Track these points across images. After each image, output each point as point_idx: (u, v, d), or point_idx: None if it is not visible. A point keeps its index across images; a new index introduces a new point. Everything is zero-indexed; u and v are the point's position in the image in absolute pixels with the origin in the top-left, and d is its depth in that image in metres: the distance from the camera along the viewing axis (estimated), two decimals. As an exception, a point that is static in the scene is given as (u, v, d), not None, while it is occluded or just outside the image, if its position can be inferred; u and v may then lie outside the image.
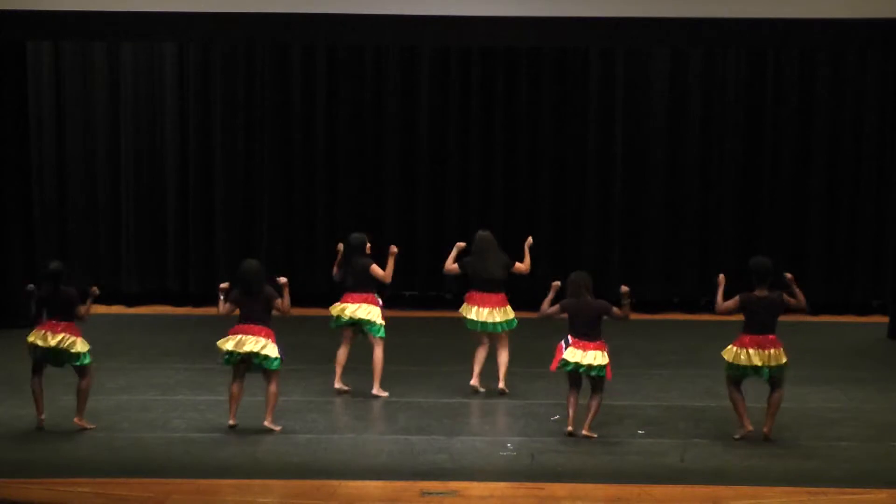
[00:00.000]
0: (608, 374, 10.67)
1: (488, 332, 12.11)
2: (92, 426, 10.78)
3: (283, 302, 10.87)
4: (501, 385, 12.11)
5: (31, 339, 10.82)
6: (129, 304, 16.83)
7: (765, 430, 10.61)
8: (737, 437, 10.68)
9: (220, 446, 10.38)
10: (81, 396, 10.81)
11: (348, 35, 14.27)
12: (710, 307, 16.73)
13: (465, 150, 16.99)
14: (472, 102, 16.93)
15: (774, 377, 10.61)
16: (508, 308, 12.13)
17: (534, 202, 16.97)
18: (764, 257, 10.99)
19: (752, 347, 10.56)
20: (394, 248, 12.22)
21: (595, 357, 10.60)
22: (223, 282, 10.94)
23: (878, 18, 13.40)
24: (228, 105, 16.95)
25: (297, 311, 15.50)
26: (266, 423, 10.75)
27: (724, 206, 16.88)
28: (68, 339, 10.72)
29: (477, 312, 12.04)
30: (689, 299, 16.94)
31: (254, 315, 10.71)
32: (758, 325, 10.63)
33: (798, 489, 9.43)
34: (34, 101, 16.30)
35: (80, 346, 10.77)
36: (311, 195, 16.99)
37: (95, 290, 10.99)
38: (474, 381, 12.15)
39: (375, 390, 12.07)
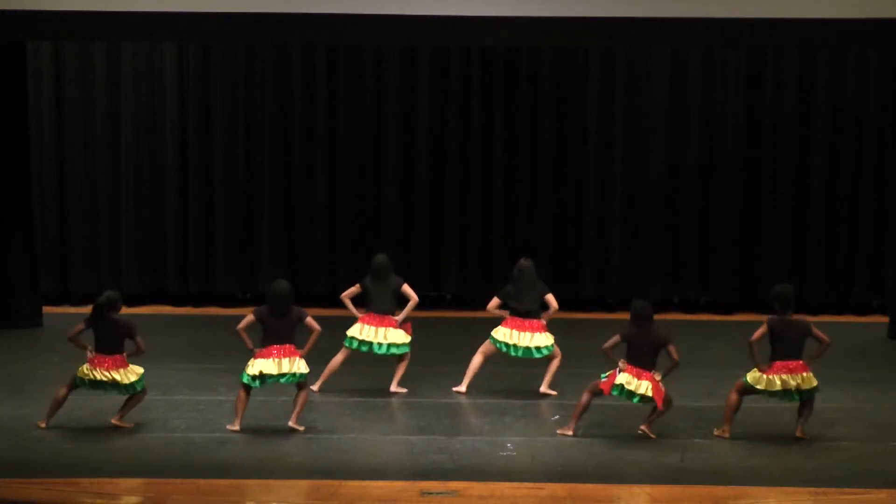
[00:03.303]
0: (659, 403, 10.62)
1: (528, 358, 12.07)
2: (129, 425, 10.81)
3: (312, 328, 10.81)
4: (544, 388, 12.13)
5: (87, 377, 10.68)
6: (129, 304, 16.76)
7: (798, 434, 10.71)
8: (715, 433, 10.74)
9: (220, 446, 10.38)
10: (131, 402, 10.86)
11: (348, 35, 14.25)
12: (709, 307, 16.83)
13: (465, 150, 16.99)
14: (471, 102, 16.93)
15: (804, 399, 10.70)
16: (547, 333, 12.03)
17: (534, 202, 16.97)
18: (787, 284, 10.94)
19: (784, 373, 10.58)
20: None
21: (648, 388, 10.56)
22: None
23: (878, 18, 13.39)
24: (228, 105, 16.94)
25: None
26: (291, 423, 10.79)
27: (724, 206, 16.88)
28: (117, 373, 10.68)
29: (511, 336, 11.96)
30: (689, 299, 16.96)
31: (280, 335, 10.70)
32: (785, 350, 10.63)
33: (798, 489, 9.43)
34: (34, 101, 16.29)
35: (130, 375, 10.74)
36: (311, 195, 16.99)
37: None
38: (461, 389, 12.16)
39: (394, 387, 12.18)
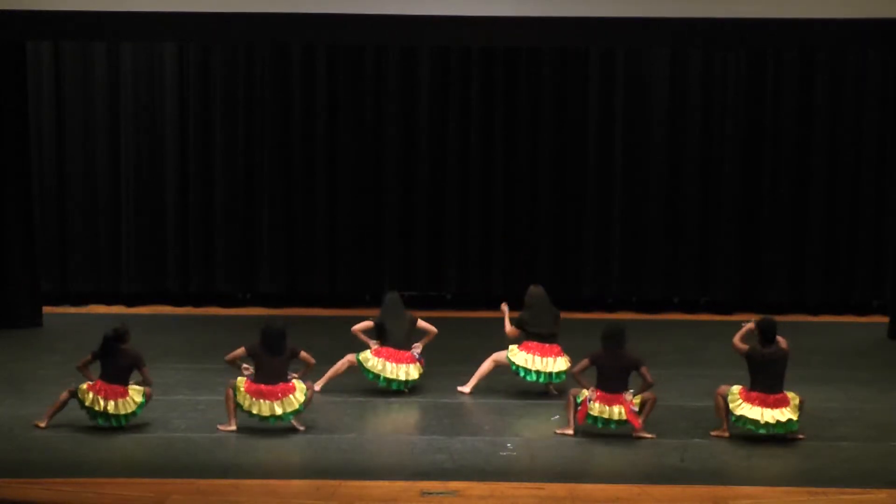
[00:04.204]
0: (634, 422, 10.63)
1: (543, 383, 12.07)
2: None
3: (307, 362, 10.90)
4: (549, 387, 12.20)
5: (84, 399, 10.70)
6: (129, 304, 16.82)
7: (790, 436, 10.68)
8: (713, 434, 10.73)
9: (220, 446, 10.38)
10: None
11: (348, 35, 14.26)
12: (709, 307, 16.83)
13: (465, 150, 16.98)
14: (471, 103, 16.92)
15: (786, 434, 10.65)
16: (565, 358, 11.99)
17: (534, 202, 16.97)
18: (769, 318, 10.88)
19: (762, 406, 10.56)
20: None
21: (621, 412, 10.59)
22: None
23: (878, 18, 13.39)
24: (228, 105, 16.93)
25: (297, 312, 15.64)
26: (292, 422, 10.79)
27: (724, 206, 16.88)
28: (114, 402, 10.67)
29: (533, 362, 11.91)
30: (689, 299, 16.95)
31: (273, 374, 10.71)
32: (765, 382, 10.62)
33: (798, 489, 9.43)
34: (34, 101, 16.28)
35: (129, 405, 10.74)
36: (311, 195, 16.98)
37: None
38: (466, 390, 12.16)
39: None
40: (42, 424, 10.77)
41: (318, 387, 12.03)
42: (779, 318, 10.83)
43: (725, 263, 16.87)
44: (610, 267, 16.94)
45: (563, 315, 12.27)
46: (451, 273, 17.04)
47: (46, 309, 15.70)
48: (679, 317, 16.62)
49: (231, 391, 10.78)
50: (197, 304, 16.94)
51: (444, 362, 13.19)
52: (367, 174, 17.00)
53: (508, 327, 12.06)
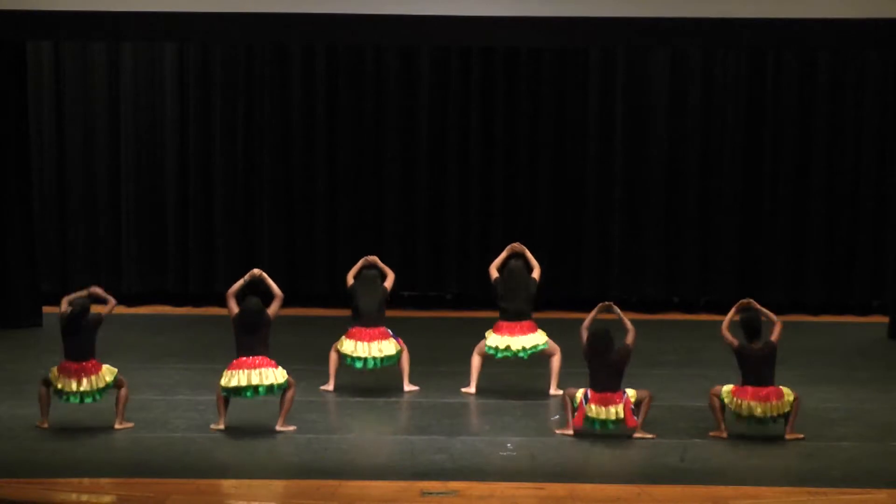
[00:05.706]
0: (629, 421, 10.63)
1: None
2: (130, 425, 10.80)
3: (273, 304, 10.90)
4: (553, 390, 12.11)
5: (56, 383, 10.71)
6: (129, 304, 16.81)
7: (787, 437, 10.66)
8: (711, 434, 10.73)
9: (220, 446, 10.38)
10: (120, 403, 10.82)
11: (348, 35, 14.27)
12: (709, 307, 16.82)
13: (464, 150, 16.98)
14: (471, 103, 16.92)
15: (781, 421, 10.65)
16: (538, 333, 12.05)
17: (534, 201, 16.97)
18: (752, 313, 10.89)
19: (753, 400, 10.55)
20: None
21: (619, 410, 10.59)
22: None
23: (878, 18, 13.40)
24: (228, 105, 16.93)
25: (297, 312, 15.64)
26: (278, 427, 10.75)
27: (724, 206, 16.88)
28: (87, 381, 10.68)
29: (503, 339, 11.97)
30: (689, 299, 16.95)
31: (253, 350, 10.72)
32: (755, 377, 10.62)
33: (798, 489, 9.43)
34: (34, 101, 16.28)
35: (100, 382, 10.74)
36: (311, 195, 16.99)
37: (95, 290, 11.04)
38: (471, 390, 12.15)
39: (407, 387, 12.20)
40: (45, 425, 10.77)
41: (331, 387, 12.06)
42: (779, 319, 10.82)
43: (725, 263, 16.87)
44: (610, 267, 16.94)
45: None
46: (451, 273, 17.04)
47: (46, 309, 15.68)
48: (679, 317, 16.61)
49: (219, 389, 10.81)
50: (197, 304, 16.94)
51: (445, 362, 13.20)
52: (367, 174, 17.00)
53: (495, 265, 12.17)
